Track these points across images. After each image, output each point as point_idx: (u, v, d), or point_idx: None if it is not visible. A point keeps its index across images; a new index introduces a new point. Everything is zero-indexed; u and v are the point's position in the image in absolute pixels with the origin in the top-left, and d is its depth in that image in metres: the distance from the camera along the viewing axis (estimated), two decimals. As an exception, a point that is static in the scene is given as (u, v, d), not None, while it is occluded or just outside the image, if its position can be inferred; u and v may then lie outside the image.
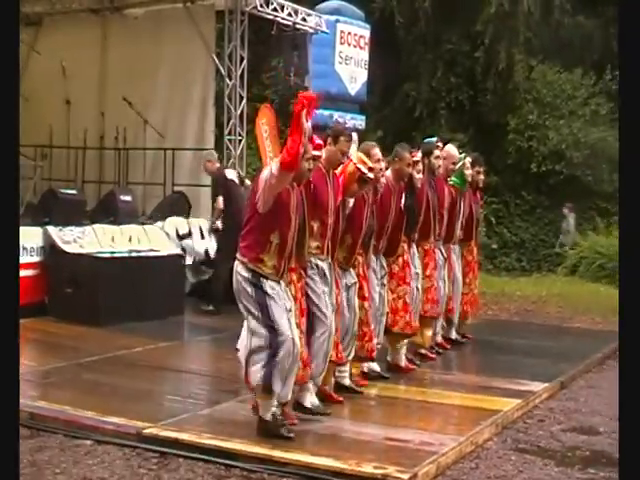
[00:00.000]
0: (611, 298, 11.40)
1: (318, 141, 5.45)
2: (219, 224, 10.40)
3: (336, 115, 14.40)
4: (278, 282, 5.19)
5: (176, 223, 10.91)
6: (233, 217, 9.91)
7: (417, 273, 7.43)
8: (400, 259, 7.12)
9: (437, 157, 7.71)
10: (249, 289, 5.14)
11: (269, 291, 5.11)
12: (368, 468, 4.71)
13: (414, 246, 7.46)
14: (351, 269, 6.30)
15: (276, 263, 5.16)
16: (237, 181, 10.52)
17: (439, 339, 8.32)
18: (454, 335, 8.68)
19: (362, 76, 15.46)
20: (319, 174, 5.62)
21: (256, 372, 5.10)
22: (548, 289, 14.25)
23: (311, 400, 5.74)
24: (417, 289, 7.41)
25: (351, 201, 6.10)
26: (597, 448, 5.60)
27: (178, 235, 10.82)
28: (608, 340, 9.09)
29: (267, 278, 5.14)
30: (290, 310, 5.20)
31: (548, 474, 5.05)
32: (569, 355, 8.44)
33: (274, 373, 5.07)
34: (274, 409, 5.21)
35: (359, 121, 15.42)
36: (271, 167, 5.08)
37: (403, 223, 7.10)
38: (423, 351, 7.80)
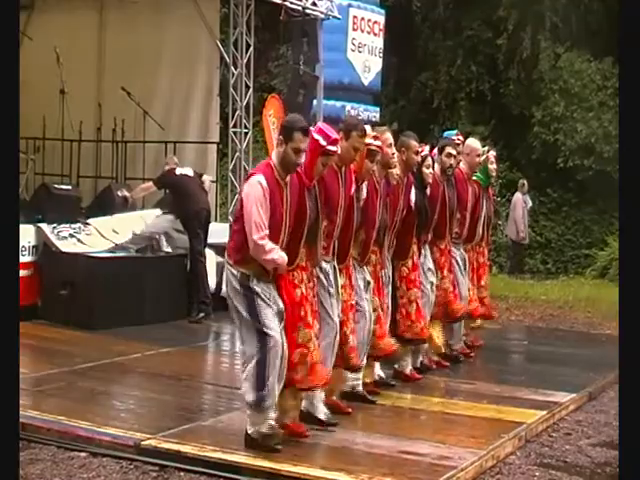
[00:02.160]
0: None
1: (335, 135, 5.40)
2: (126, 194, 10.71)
3: (348, 106, 14.38)
4: (268, 283, 5.20)
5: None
6: (191, 213, 10.03)
7: (431, 280, 7.44)
8: (410, 261, 7.09)
9: (448, 155, 7.55)
10: (238, 288, 5.17)
11: (259, 291, 5.14)
12: (382, 483, 4.71)
13: (426, 248, 7.45)
14: (365, 267, 6.31)
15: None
16: (191, 174, 10.48)
17: (460, 346, 8.30)
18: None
19: (376, 65, 15.42)
20: (330, 171, 5.60)
21: (249, 389, 5.15)
22: (575, 293, 14.22)
23: (324, 411, 5.75)
24: (431, 292, 7.43)
25: (364, 192, 6.09)
26: (628, 464, 5.58)
27: None
28: (640, 348, 9.05)
29: (257, 279, 5.15)
30: (280, 312, 5.22)
31: (575, 491, 5.05)
32: (598, 364, 8.40)
33: (267, 389, 5.09)
34: (262, 429, 5.20)
35: (373, 113, 15.39)
36: (251, 230, 5.05)
37: (414, 222, 7.05)
38: (436, 358, 7.80)
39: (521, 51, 19.47)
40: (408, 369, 7.28)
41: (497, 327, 9.53)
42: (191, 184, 10.34)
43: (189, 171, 10.51)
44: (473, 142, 8.25)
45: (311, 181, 5.39)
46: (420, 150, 7.01)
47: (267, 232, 5.05)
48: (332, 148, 5.34)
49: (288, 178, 5.24)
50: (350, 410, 6.10)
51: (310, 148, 5.26)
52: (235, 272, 5.19)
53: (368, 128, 6.13)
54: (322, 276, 5.67)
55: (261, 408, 5.16)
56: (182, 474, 4.97)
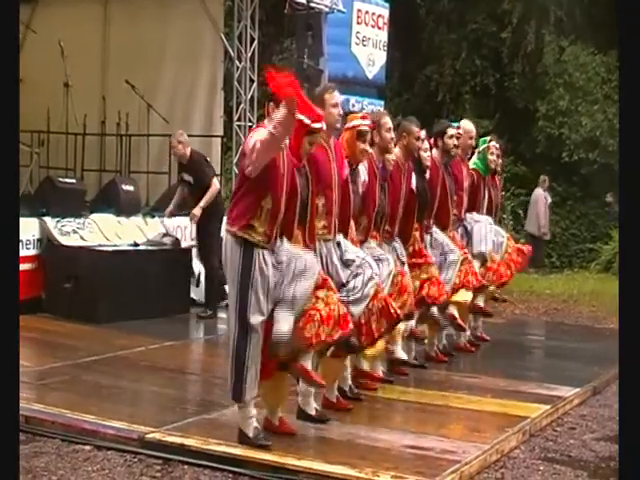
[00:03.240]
0: (647, 297, 11.33)
1: (318, 112, 5.31)
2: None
3: (353, 100, 14.35)
4: (271, 252, 5.12)
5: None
6: (221, 214, 9.35)
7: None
8: (411, 248, 7.07)
9: (451, 137, 7.61)
10: (237, 261, 5.06)
11: (257, 265, 5.03)
12: (386, 478, 4.70)
13: (428, 235, 7.42)
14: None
15: (267, 229, 5.07)
16: None
17: (462, 341, 8.32)
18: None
19: (381, 58, 15.41)
20: (320, 148, 5.54)
21: (229, 379, 5.13)
22: (580, 287, 14.21)
23: (315, 407, 5.72)
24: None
25: (362, 174, 6.05)
26: (632, 458, 5.57)
27: None
28: (644, 342, 9.03)
29: (259, 247, 5.06)
30: (275, 285, 5.12)
31: (579, 486, 5.04)
32: (602, 358, 8.38)
33: (244, 379, 5.05)
34: (255, 423, 5.18)
35: (377, 106, 15.35)
36: (263, 132, 4.95)
37: (414, 206, 7.01)
38: (433, 353, 7.81)
39: (525, 45, 19.44)
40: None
41: (501, 321, 9.52)
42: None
43: None
44: (466, 124, 8.26)
45: (300, 161, 5.34)
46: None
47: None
48: (317, 125, 5.28)
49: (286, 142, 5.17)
50: (351, 406, 6.06)
51: (295, 129, 5.23)
52: (235, 243, 5.07)
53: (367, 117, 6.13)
54: (324, 259, 5.58)
55: (237, 402, 5.14)
56: (186, 467, 4.97)
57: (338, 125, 5.74)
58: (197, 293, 10.38)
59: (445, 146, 7.58)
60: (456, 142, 7.67)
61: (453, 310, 7.64)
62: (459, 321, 7.68)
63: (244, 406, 5.15)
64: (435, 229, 7.54)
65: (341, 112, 5.69)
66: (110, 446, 5.25)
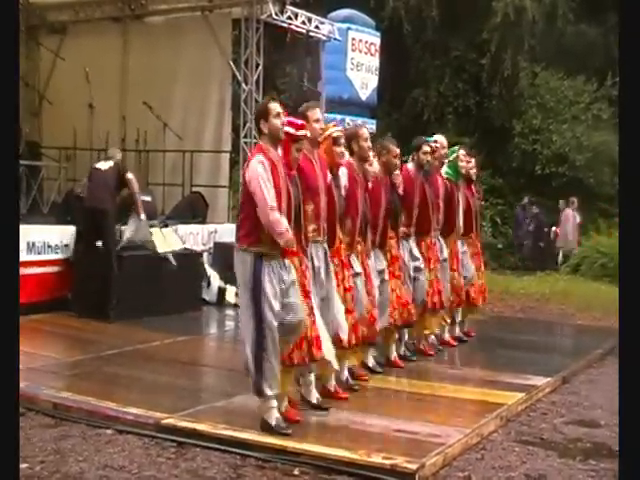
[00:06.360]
0: (611, 296, 11.33)
1: (300, 122, 5.40)
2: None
3: (348, 119, 14.37)
4: (278, 259, 5.07)
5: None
6: (91, 206, 9.20)
7: (418, 267, 7.35)
8: (388, 254, 6.99)
9: (425, 152, 7.49)
10: (248, 273, 5.01)
11: (266, 277, 4.98)
12: (377, 458, 4.70)
13: (409, 241, 7.35)
14: (354, 257, 6.21)
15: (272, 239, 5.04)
16: (103, 169, 9.48)
17: (446, 336, 8.29)
18: (457, 332, 8.60)
19: (373, 82, 15.45)
20: (306, 160, 5.56)
21: (251, 377, 5.08)
22: (551, 287, 14.19)
23: (316, 396, 5.72)
24: (414, 280, 7.31)
25: (343, 179, 6.03)
26: (598, 440, 5.58)
27: None
28: (608, 336, 9.05)
29: (268, 257, 5.02)
30: (290, 283, 5.11)
31: (550, 465, 5.03)
32: (571, 351, 8.41)
33: (264, 376, 5.01)
34: (276, 414, 5.14)
35: (370, 125, 15.36)
36: (264, 205, 4.96)
37: (389, 217, 6.93)
38: (422, 346, 7.76)
39: (502, 70, 19.51)
40: (392, 355, 7.19)
41: (481, 318, 9.50)
42: (94, 178, 9.46)
43: (104, 164, 9.62)
44: (440, 137, 8.17)
45: (291, 169, 5.34)
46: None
47: (275, 205, 4.96)
48: (301, 133, 5.36)
49: (280, 152, 5.20)
50: (347, 396, 6.03)
51: (284, 142, 5.25)
52: (247, 255, 5.02)
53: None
54: (315, 264, 5.56)
55: (259, 396, 5.09)
56: (197, 450, 4.97)
57: (320, 138, 5.75)
58: (208, 293, 10.36)
59: (419, 160, 7.52)
60: (429, 158, 7.57)
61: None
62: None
63: (266, 399, 5.10)
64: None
65: (323, 126, 5.75)
66: (129, 430, 5.25)
